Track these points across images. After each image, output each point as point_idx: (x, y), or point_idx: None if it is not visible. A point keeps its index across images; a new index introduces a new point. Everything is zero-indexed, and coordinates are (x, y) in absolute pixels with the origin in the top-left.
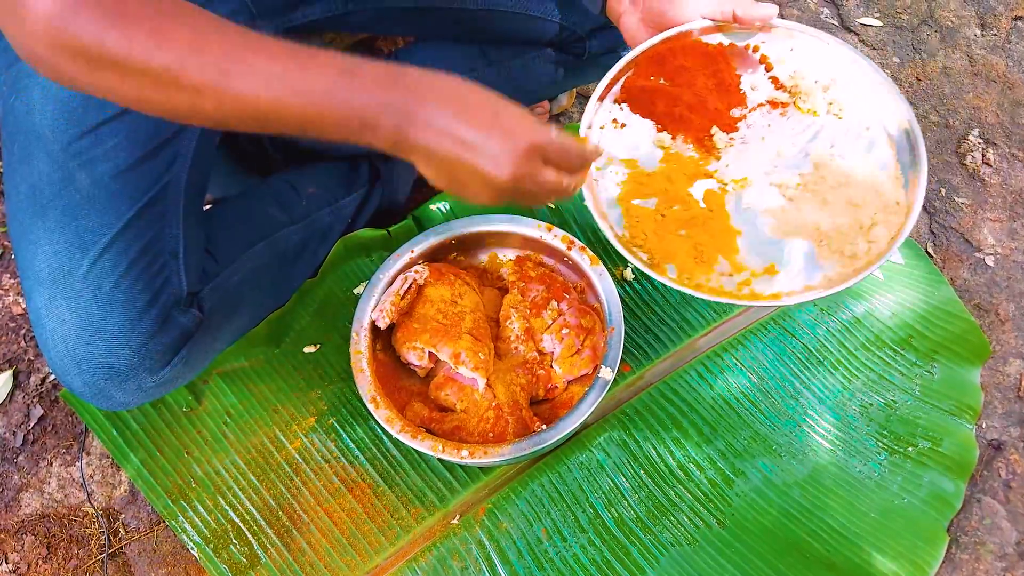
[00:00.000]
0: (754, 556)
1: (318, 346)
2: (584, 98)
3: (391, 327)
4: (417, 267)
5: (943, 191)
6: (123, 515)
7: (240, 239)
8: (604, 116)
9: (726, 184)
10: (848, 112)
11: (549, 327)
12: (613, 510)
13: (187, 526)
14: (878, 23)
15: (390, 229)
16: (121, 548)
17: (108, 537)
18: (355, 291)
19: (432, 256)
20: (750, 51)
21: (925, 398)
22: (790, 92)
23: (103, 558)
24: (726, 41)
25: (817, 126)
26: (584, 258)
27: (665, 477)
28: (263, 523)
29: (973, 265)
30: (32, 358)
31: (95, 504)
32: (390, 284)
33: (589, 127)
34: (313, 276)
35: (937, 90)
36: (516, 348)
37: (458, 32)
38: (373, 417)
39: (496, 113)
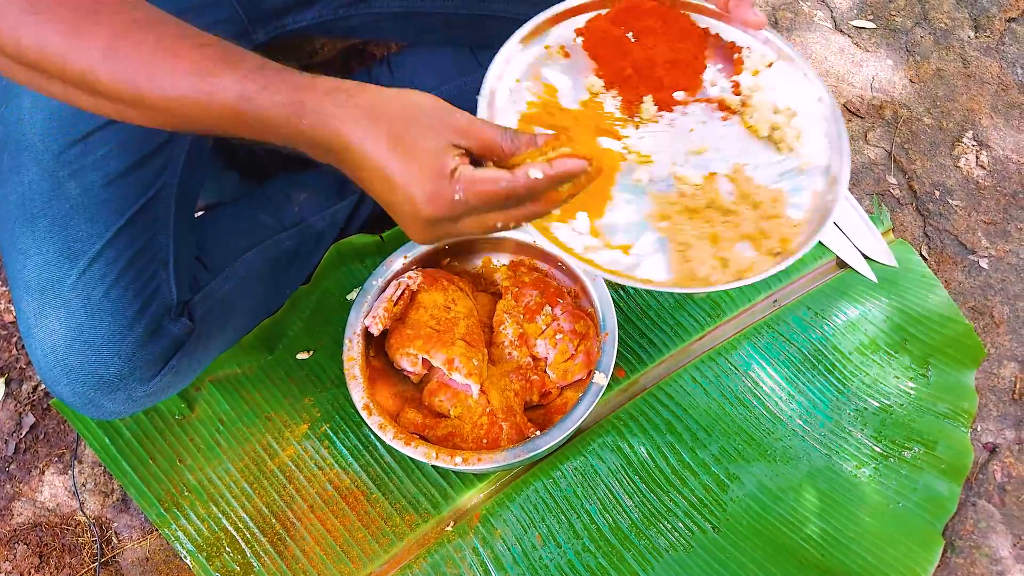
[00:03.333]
0: (749, 561)
1: (311, 353)
2: None
3: (384, 333)
4: (410, 273)
5: (937, 193)
6: (116, 524)
7: (232, 246)
8: (557, 34)
9: (629, 153)
10: (789, 147)
11: (543, 332)
12: (608, 516)
13: (180, 534)
14: (871, 25)
15: (383, 235)
16: (114, 557)
17: (101, 546)
18: (348, 297)
19: (425, 262)
20: (727, 47)
21: (920, 401)
22: (743, 102)
23: (96, 567)
24: (713, 30)
25: (750, 146)
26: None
27: (659, 482)
28: (256, 531)
29: (967, 268)
30: (24, 366)
31: (87, 513)
32: (383, 290)
33: (533, 31)
34: (306, 282)
35: (931, 92)
36: (510, 354)
37: (450, 36)
38: (366, 424)
39: (411, 120)
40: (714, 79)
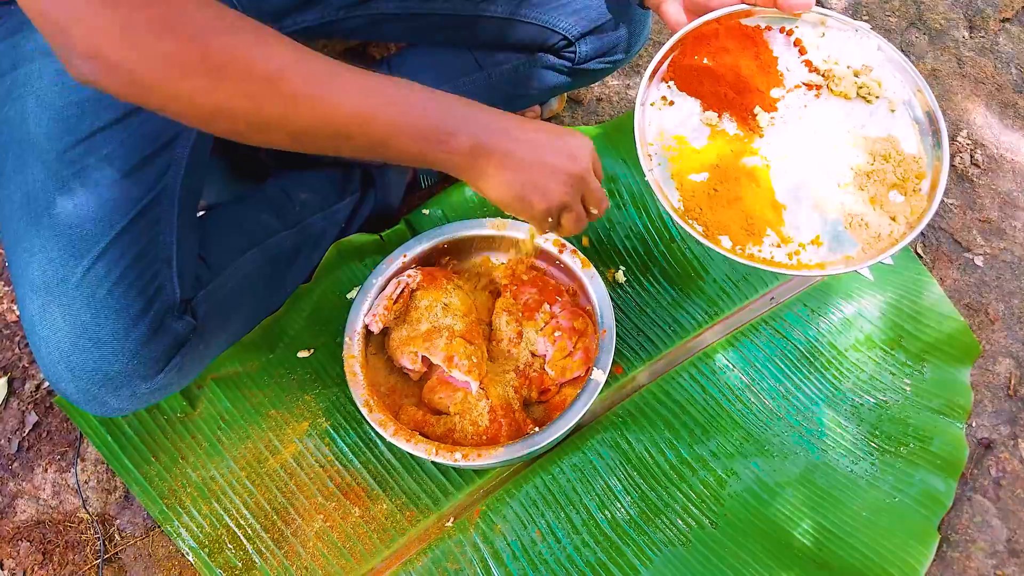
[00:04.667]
0: (747, 556)
1: (312, 351)
2: (575, 103)
3: (384, 331)
4: (410, 271)
5: None
6: (118, 520)
7: (234, 245)
8: (654, 94)
9: (769, 160)
10: (876, 96)
11: (541, 330)
12: (607, 511)
13: (182, 531)
14: (866, 26)
15: (383, 234)
16: (117, 554)
17: (103, 543)
18: (348, 296)
19: (425, 260)
20: (783, 34)
21: (916, 398)
22: (824, 75)
23: (99, 564)
24: (763, 24)
25: (848, 108)
26: (576, 261)
27: (658, 478)
28: (258, 527)
29: (963, 265)
30: (27, 365)
31: (90, 510)
32: (383, 289)
33: (642, 104)
34: (307, 281)
35: None
36: (509, 351)
37: (450, 37)
38: (367, 421)
39: (559, 127)
40: (788, 66)
